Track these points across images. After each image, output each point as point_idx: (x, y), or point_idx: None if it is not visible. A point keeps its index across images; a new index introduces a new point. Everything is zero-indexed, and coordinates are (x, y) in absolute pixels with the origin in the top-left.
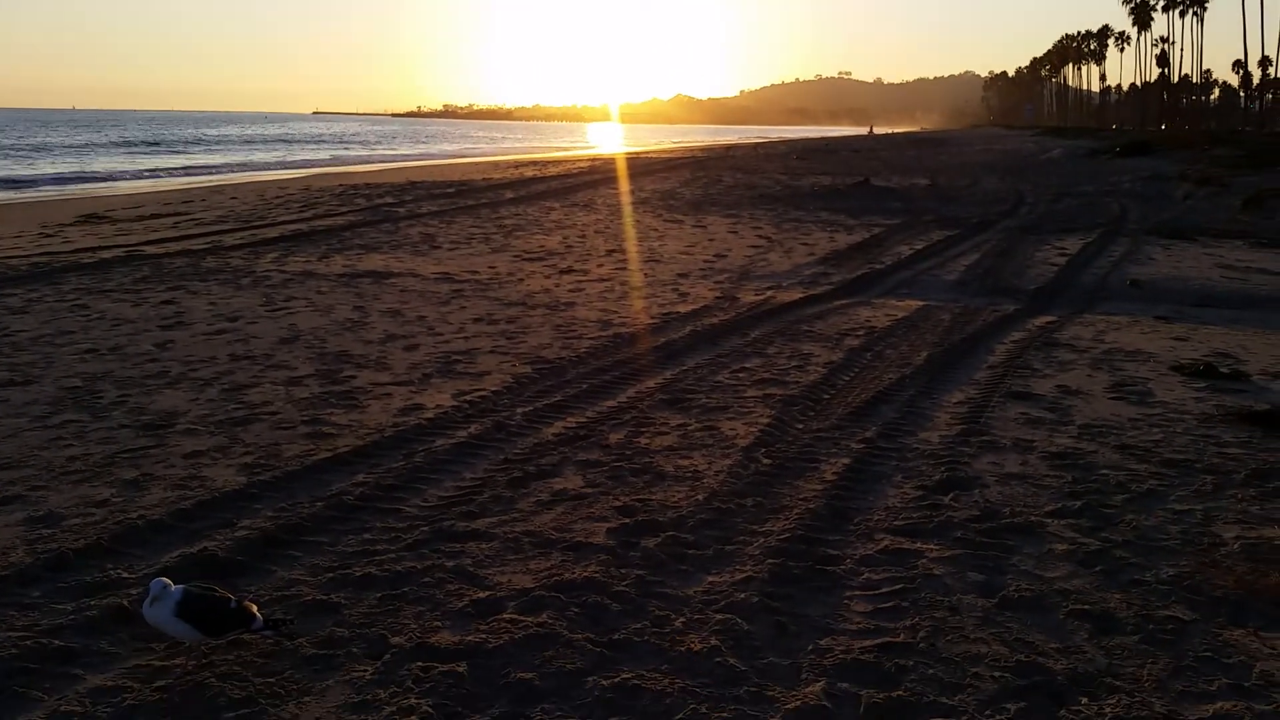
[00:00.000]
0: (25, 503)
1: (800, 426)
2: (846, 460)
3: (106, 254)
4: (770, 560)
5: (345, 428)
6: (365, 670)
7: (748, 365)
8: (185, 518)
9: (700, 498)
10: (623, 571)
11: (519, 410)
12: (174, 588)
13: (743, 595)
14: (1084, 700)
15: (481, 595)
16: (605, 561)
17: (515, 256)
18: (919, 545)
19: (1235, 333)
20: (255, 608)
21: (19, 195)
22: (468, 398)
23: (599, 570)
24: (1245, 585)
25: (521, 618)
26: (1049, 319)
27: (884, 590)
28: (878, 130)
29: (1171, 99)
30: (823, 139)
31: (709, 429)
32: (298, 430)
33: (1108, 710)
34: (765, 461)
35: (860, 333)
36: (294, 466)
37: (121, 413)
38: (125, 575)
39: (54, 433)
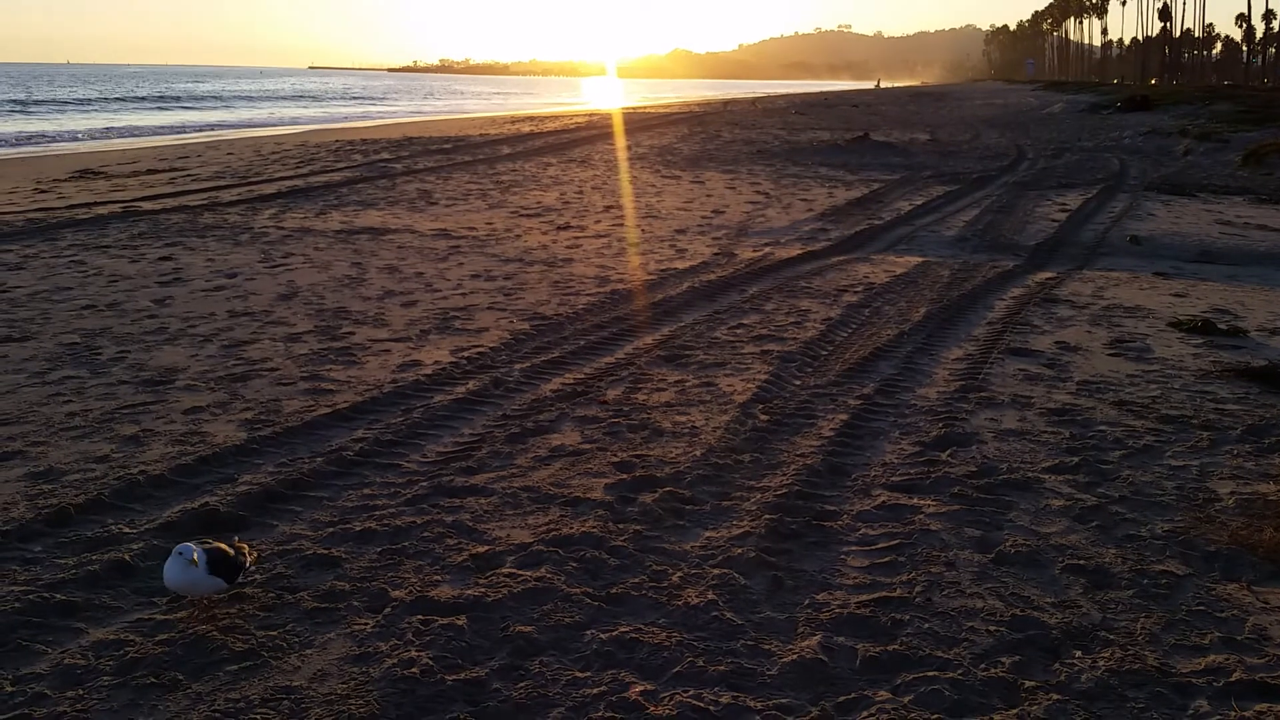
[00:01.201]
0: (26, 458)
1: (798, 383)
2: (844, 417)
3: (103, 210)
4: (767, 516)
5: (344, 384)
6: (366, 623)
7: (745, 321)
8: (186, 473)
9: (698, 454)
10: (620, 527)
11: (517, 366)
12: (196, 550)
13: (740, 550)
14: (1078, 654)
15: (481, 550)
16: (603, 517)
17: (512, 213)
18: (916, 501)
19: (1234, 289)
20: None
21: (13, 150)
22: (466, 354)
23: (597, 525)
24: (1239, 540)
25: (520, 572)
26: (1048, 275)
27: (880, 546)
28: (885, 84)
29: (1173, 54)
30: (822, 94)
31: (706, 385)
32: (297, 386)
33: (1101, 663)
34: (763, 418)
35: (859, 289)
36: (294, 422)
37: (121, 369)
38: (126, 530)
39: (53, 389)
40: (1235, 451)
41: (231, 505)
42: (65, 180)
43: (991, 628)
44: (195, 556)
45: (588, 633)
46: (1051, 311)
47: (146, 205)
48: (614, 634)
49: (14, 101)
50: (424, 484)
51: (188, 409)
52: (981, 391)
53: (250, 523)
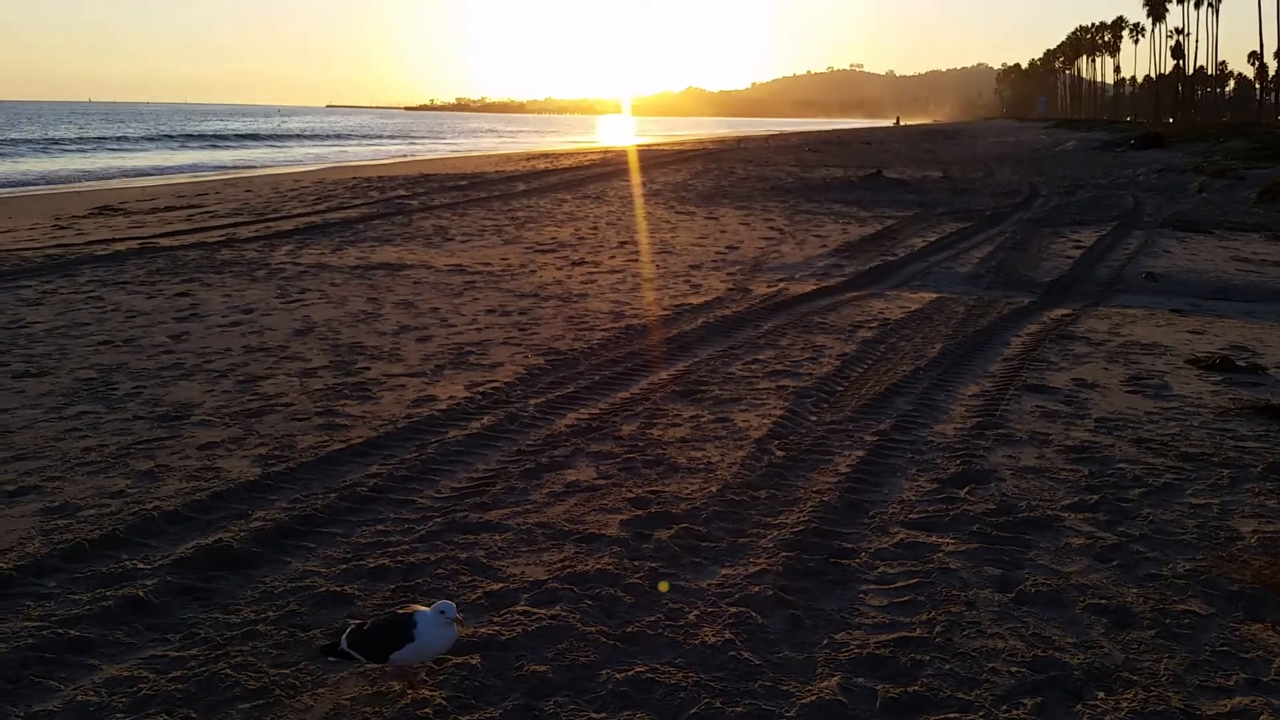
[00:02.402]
0: (41, 493)
1: (814, 418)
2: (860, 453)
3: (121, 246)
4: (784, 553)
5: (359, 419)
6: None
7: (760, 357)
8: (200, 509)
9: (713, 490)
10: (636, 564)
11: (532, 401)
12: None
13: (757, 588)
14: (1101, 695)
15: (495, 587)
16: (618, 553)
17: (527, 248)
18: (935, 539)
19: (1252, 326)
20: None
21: (34, 188)
22: (480, 389)
23: (612, 562)
24: (1262, 579)
25: (535, 610)
26: (1064, 311)
27: (899, 584)
28: (905, 121)
29: (1186, 91)
30: (835, 132)
31: (722, 420)
32: (312, 421)
33: (1124, 705)
34: (778, 453)
35: (873, 325)
36: (308, 458)
37: (136, 404)
38: (140, 566)
39: (69, 424)
40: (1256, 489)
41: (245, 541)
42: (84, 217)
43: (1013, 669)
44: (459, 615)
45: (603, 672)
46: (1068, 348)
47: (164, 242)
48: (629, 674)
49: (36, 140)
50: (438, 520)
51: (202, 444)
52: (999, 428)
53: (264, 559)
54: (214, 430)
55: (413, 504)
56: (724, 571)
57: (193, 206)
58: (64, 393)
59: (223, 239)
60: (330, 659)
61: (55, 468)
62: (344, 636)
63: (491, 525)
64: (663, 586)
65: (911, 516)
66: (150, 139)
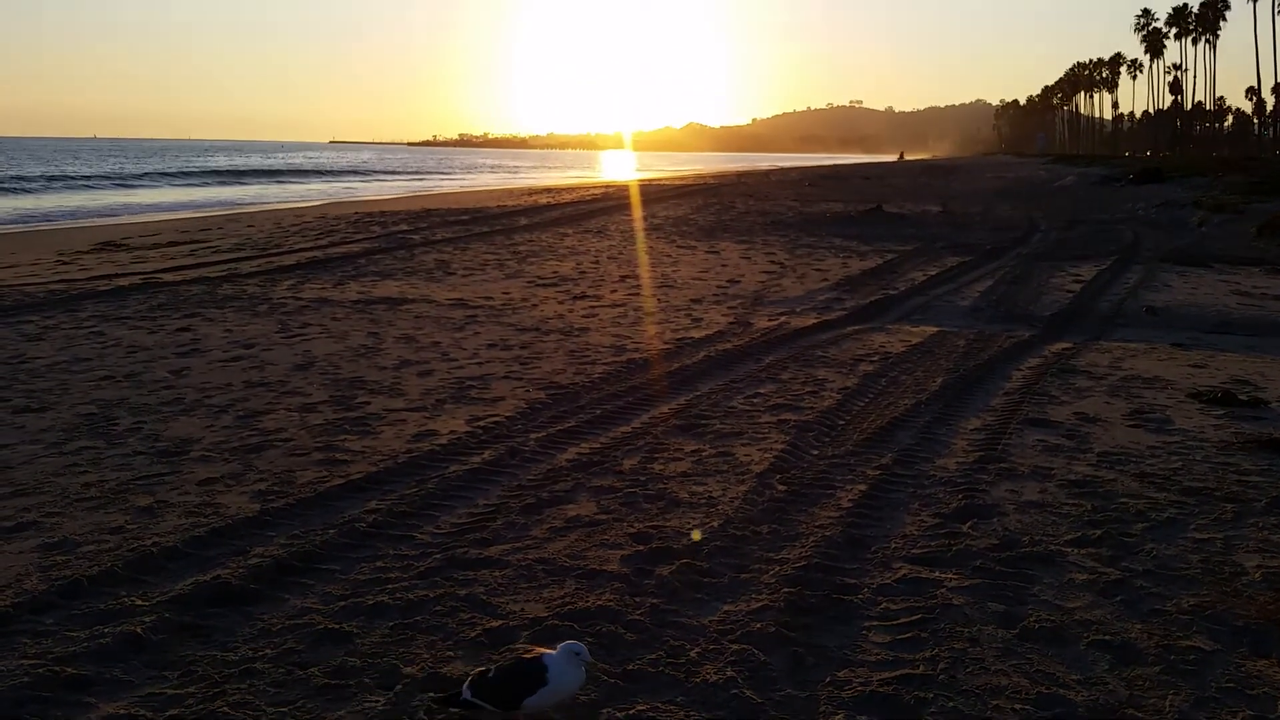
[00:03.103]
0: (40, 529)
1: (815, 453)
2: (863, 487)
3: (123, 281)
4: (786, 589)
5: (359, 454)
6: (377, 701)
7: (762, 391)
8: (199, 545)
9: (715, 525)
10: (637, 600)
11: (532, 436)
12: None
13: (759, 625)
14: None
15: (494, 624)
16: (619, 590)
17: (529, 282)
18: (938, 574)
19: (1253, 359)
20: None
21: (37, 223)
22: (481, 423)
23: (613, 599)
24: (1267, 615)
25: (535, 647)
26: (1065, 345)
27: (902, 620)
28: (909, 156)
29: (1185, 126)
30: (834, 167)
31: (723, 455)
32: (311, 457)
33: None
34: (780, 488)
35: (875, 358)
36: (307, 493)
37: (137, 439)
38: (139, 603)
39: (69, 459)
40: (1260, 524)
41: (243, 578)
42: (87, 252)
43: (1017, 706)
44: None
45: (604, 712)
46: (1069, 382)
47: (167, 277)
48: (631, 713)
49: (42, 176)
50: (437, 556)
51: (202, 480)
52: (1001, 462)
53: (262, 596)
54: (213, 466)
55: (412, 540)
56: (726, 608)
57: (195, 242)
58: (64, 428)
59: (224, 274)
60: (452, 709)
61: (55, 503)
62: (466, 686)
63: (491, 561)
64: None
65: (914, 552)
66: (154, 175)
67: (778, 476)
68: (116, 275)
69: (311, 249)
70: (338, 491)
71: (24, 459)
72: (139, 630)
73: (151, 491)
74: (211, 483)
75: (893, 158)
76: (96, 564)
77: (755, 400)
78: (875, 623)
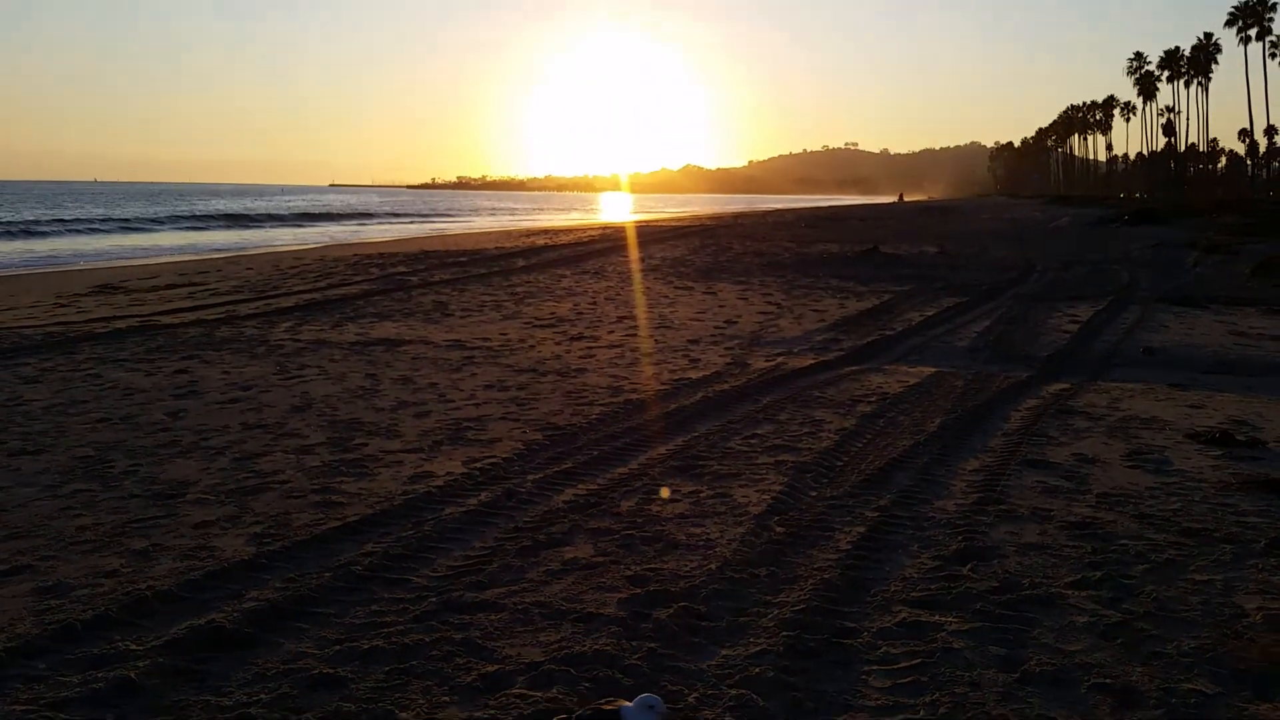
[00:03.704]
0: (34, 573)
1: (814, 494)
2: (861, 529)
3: (121, 324)
4: (785, 633)
5: (355, 496)
6: None
7: (759, 431)
8: (194, 588)
9: (713, 567)
10: (634, 644)
11: (530, 477)
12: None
13: (757, 669)
14: None
15: (490, 669)
16: (616, 633)
17: (526, 323)
18: (938, 618)
19: (1250, 400)
20: None
21: (36, 266)
22: (478, 465)
23: (610, 643)
24: (1270, 657)
25: (531, 693)
26: (1063, 386)
27: (902, 665)
28: (908, 198)
29: (1179, 167)
30: (830, 208)
31: (721, 496)
32: (307, 499)
33: None
34: (778, 530)
35: (872, 399)
36: (303, 536)
37: (132, 482)
38: (133, 647)
39: (64, 502)
40: (1260, 565)
41: (238, 622)
42: (85, 295)
43: None
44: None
45: None
46: (1067, 423)
47: (164, 319)
48: None
49: (41, 220)
50: (433, 600)
51: (197, 523)
52: (1000, 504)
53: (256, 640)
54: (209, 508)
55: (408, 583)
56: (724, 652)
57: (193, 284)
58: (60, 471)
59: (223, 316)
60: None
61: (49, 547)
62: None
63: (488, 605)
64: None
65: (914, 595)
66: (154, 220)
67: (776, 518)
68: (114, 318)
69: (310, 291)
70: (333, 534)
71: (19, 502)
72: (133, 675)
73: (147, 534)
74: (207, 525)
75: (888, 199)
76: (90, 608)
77: (753, 441)
78: (875, 667)
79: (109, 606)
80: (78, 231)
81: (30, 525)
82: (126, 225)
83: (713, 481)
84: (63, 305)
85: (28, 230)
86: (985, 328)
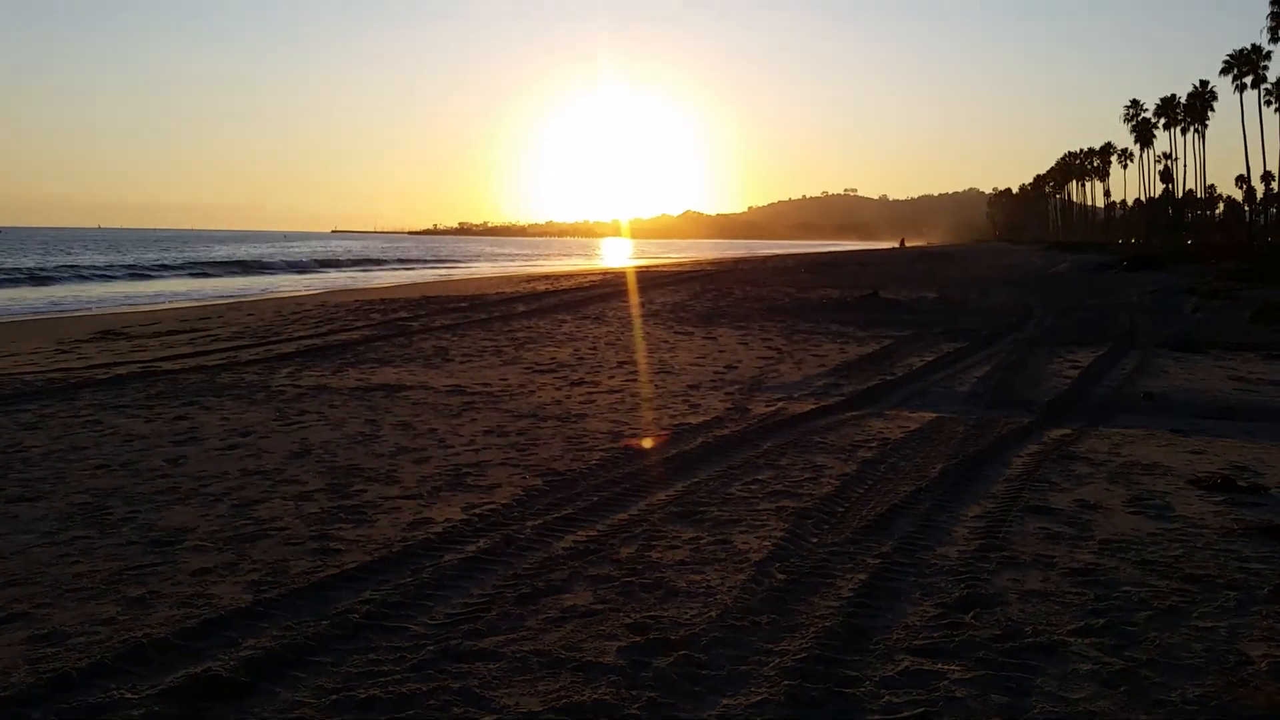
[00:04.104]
0: (30, 620)
1: (815, 540)
2: (863, 576)
3: (121, 370)
4: (786, 681)
5: (353, 543)
6: None
7: (760, 477)
8: (190, 636)
9: (713, 615)
10: (634, 693)
11: (529, 523)
12: None
13: (759, 719)
14: None
15: (487, 719)
16: (616, 682)
17: (527, 369)
18: (940, 666)
19: (1252, 445)
20: None
21: (40, 312)
22: (477, 511)
23: (609, 692)
24: (1275, 705)
25: None
26: (1064, 431)
27: (905, 714)
28: (909, 243)
29: (1177, 214)
30: (830, 253)
31: (721, 543)
32: (306, 546)
33: None
34: (779, 577)
35: (873, 444)
36: (300, 584)
37: (130, 529)
38: (129, 696)
39: (62, 549)
40: (1264, 612)
41: (234, 670)
42: (87, 341)
43: None
44: None
45: None
46: (1069, 468)
47: (165, 365)
48: None
49: (45, 266)
50: (431, 648)
51: (195, 570)
52: (1003, 550)
53: (253, 689)
54: (207, 555)
55: (406, 631)
56: (725, 701)
57: (195, 330)
58: (58, 517)
59: (223, 362)
60: None
61: (45, 594)
62: None
63: (486, 653)
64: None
65: (916, 643)
66: (158, 265)
67: (777, 565)
68: (115, 364)
69: (311, 336)
70: (331, 581)
71: (16, 549)
72: None
73: (144, 582)
74: (204, 573)
75: (887, 245)
76: (86, 656)
77: (753, 487)
78: (877, 716)
79: (105, 654)
80: (84, 278)
81: (27, 572)
82: (132, 271)
83: (713, 528)
84: (64, 351)
85: (33, 276)
86: (986, 373)
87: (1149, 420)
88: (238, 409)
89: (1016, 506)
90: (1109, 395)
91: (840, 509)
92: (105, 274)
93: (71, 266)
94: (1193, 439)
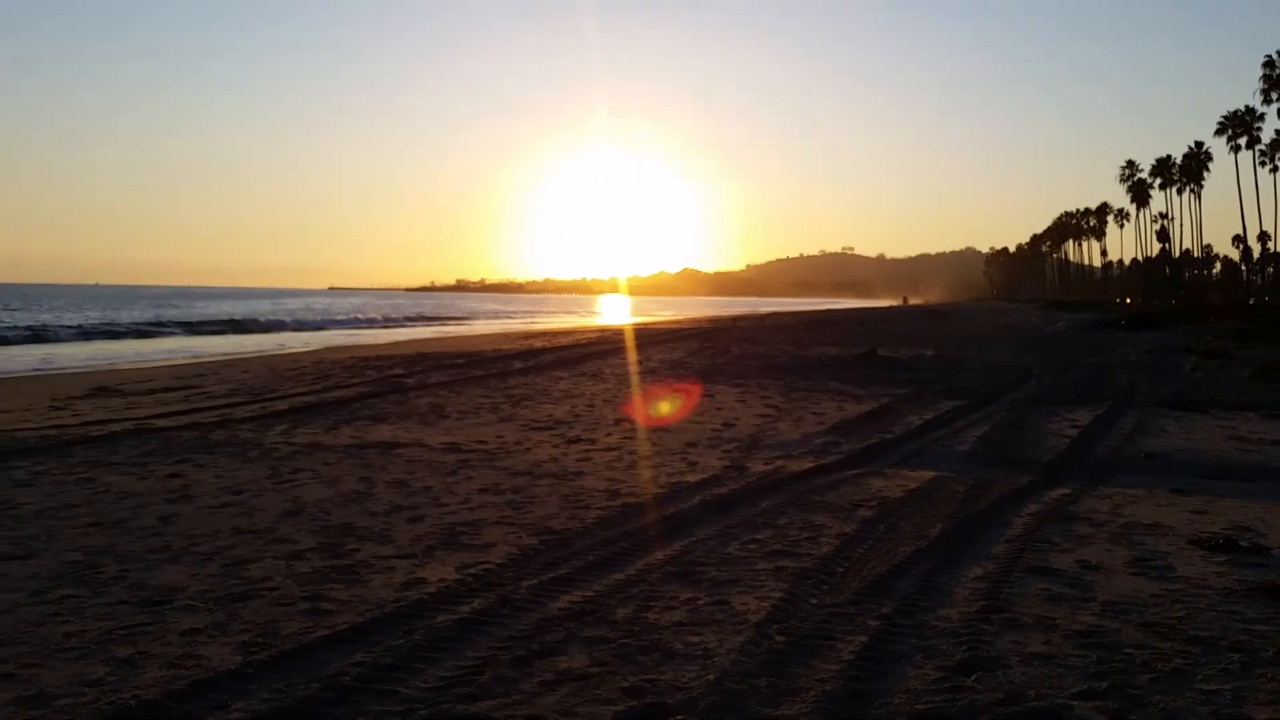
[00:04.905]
0: (17, 681)
1: (814, 601)
2: (863, 638)
3: (116, 427)
4: None
5: (345, 604)
6: None
7: (758, 536)
8: (179, 698)
9: (711, 678)
10: None
11: (524, 583)
12: None
13: None
14: None
15: None
16: None
17: (523, 426)
18: None
19: (1253, 505)
20: None
21: (33, 370)
22: (472, 570)
23: None
24: None
25: None
26: (1064, 491)
27: None
28: (912, 300)
29: (1174, 273)
30: (828, 311)
31: (719, 603)
32: (297, 606)
33: None
34: (779, 639)
35: (873, 503)
36: (291, 645)
37: (121, 588)
38: None
39: (51, 608)
40: (1270, 674)
41: None
42: (81, 398)
43: None
44: None
45: None
46: (1070, 529)
47: (159, 422)
48: None
49: (42, 323)
50: (423, 712)
51: (185, 630)
52: (1004, 612)
53: None
54: (197, 616)
55: (397, 694)
56: None
57: (190, 387)
58: (48, 576)
59: (218, 419)
60: None
61: (33, 654)
62: None
63: (479, 717)
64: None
65: (918, 707)
66: (154, 324)
67: (776, 626)
68: (109, 420)
69: (306, 394)
70: (323, 643)
71: (4, 608)
72: None
73: (133, 642)
74: (194, 633)
75: (885, 303)
76: (73, 718)
77: (751, 546)
78: None
79: (92, 717)
80: (80, 334)
81: (15, 632)
82: (128, 328)
83: (711, 588)
84: (58, 408)
85: (30, 332)
86: (985, 432)
87: (1149, 480)
88: (231, 466)
89: (1018, 567)
90: (1109, 455)
91: (840, 569)
92: (102, 330)
93: (67, 325)
94: (1194, 499)
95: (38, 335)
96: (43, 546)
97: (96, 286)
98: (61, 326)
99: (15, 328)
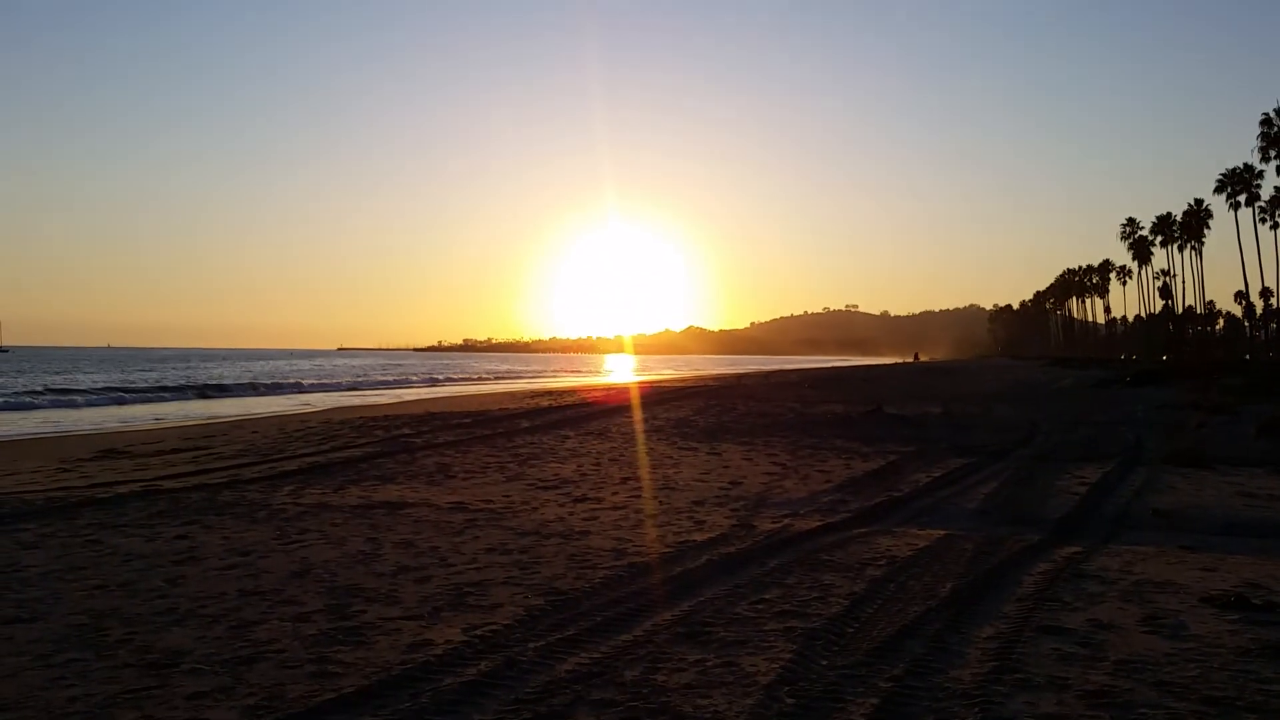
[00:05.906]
0: None
1: (824, 662)
2: (874, 700)
3: (123, 489)
4: None
5: (351, 666)
6: None
7: (767, 596)
8: None
9: None
10: None
11: (531, 645)
12: None
13: None
14: None
15: None
16: None
17: (530, 485)
18: None
19: (1264, 562)
20: None
21: (42, 432)
22: (478, 632)
23: None
24: None
25: None
26: (1075, 549)
27: None
28: (922, 357)
29: (1177, 329)
30: (833, 368)
31: (728, 665)
32: (303, 669)
33: None
34: (789, 701)
35: (882, 562)
36: (296, 709)
37: (126, 651)
38: None
39: (56, 672)
40: None
41: None
42: (89, 460)
43: None
44: None
45: None
46: (1081, 587)
47: (167, 484)
48: None
49: (52, 387)
50: None
51: (190, 694)
52: (1016, 672)
53: None
54: (203, 679)
55: None
56: None
57: (198, 449)
58: (54, 639)
59: (226, 480)
60: None
61: (38, 719)
62: None
63: None
64: None
65: None
66: (161, 388)
67: (786, 688)
68: (117, 482)
69: (314, 454)
70: (328, 706)
71: (9, 671)
72: None
73: (139, 706)
74: (200, 697)
75: (890, 360)
76: None
77: (760, 606)
78: None
79: None
80: (89, 397)
81: (20, 696)
82: (138, 391)
83: (720, 649)
84: (66, 470)
85: (42, 394)
86: (993, 489)
87: (1159, 537)
88: (238, 528)
89: (1029, 627)
90: (1118, 512)
91: (850, 629)
92: (113, 393)
93: (78, 389)
94: (1204, 556)
95: (44, 396)
96: (48, 609)
97: (109, 349)
98: (77, 391)
99: (27, 390)
